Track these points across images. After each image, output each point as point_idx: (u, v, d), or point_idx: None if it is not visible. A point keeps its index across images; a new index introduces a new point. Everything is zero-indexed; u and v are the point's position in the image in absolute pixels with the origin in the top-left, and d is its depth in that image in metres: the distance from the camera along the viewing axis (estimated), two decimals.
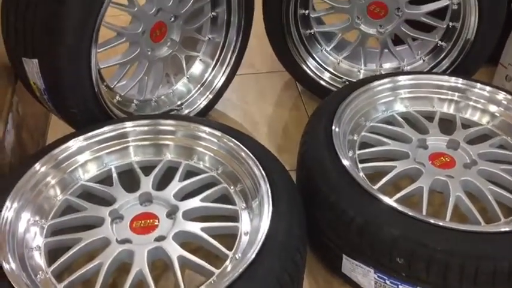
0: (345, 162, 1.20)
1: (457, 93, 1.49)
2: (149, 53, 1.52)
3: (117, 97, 1.51)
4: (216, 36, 1.72)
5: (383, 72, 1.77)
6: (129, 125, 1.31)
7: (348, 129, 1.38)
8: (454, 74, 1.61)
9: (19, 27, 1.24)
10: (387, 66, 1.78)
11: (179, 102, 1.69)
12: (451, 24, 1.61)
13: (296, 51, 1.72)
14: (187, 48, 1.66)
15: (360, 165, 1.31)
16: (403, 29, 1.66)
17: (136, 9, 1.41)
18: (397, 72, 1.58)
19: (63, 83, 1.26)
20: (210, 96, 1.73)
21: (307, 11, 1.71)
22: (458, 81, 1.48)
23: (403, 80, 1.48)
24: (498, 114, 1.44)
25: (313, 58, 1.75)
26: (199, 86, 1.73)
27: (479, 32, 1.51)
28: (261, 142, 1.72)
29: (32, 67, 1.27)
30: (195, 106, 1.71)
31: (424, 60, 1.72)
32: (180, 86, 1.72)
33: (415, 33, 1.67)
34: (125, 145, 1.31)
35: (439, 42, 1.66)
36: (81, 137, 1.26)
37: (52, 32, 1.20)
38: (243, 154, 1.23)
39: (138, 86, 1.57)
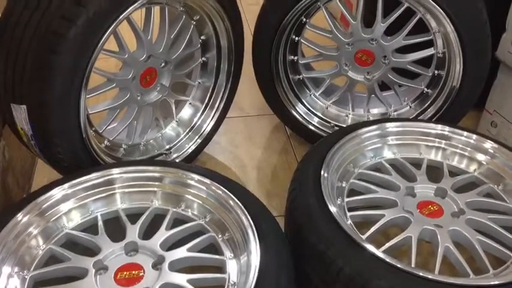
0: (333, 210, 1.20)
1: (444, 141, 1.50)
2: (139, 98, 1.53)
3: (106, 142, 1.50)
4: (206, 80, 1.74)
5: (371, 117, 1.80)
6: (115, 172, 1.30)
7: (337, 177, 1.38)
8: (440, 121, 1.64)
9: (9, 74, 1.24)
10: (375, 111, 1.80)
11: (168, 147, 1.69)
12: (436, 72, 1.65)
13: (285, 96, 1.74)
14: (177, 92, 1.67)
15: (349, 213, 1.30)
16: (390, 76, 1.69)
17: (127, 55, 1.42)
18: (384, 119, 1.59)
19: (51, 129, 1.26)
20: (199, 141, 1.73)
21: (295, 57, 1.73)
22: (445, 129, 1.50)
23: (390, 127, 1.50)
24: (485, 163, 1.45)
25: (302, 103, 1.77)
26: (188, 130, 1.73)
27: (465, 80, 1.54)
28: (250, 187, 1.76)
29: (20, 113, 1.27)
30: (184, 150, 1.71)
31: (410, 107, 1.75)
32: (169, 129, 1.72)
33: (402, 80, 1.70)
34: (112, 192, 1.29)
35: (425, 89, 1.69)
36: (66, 185, 1.24)
37: (41, 80, 1.20)
38: (231, 202, 1.22)
39: (127, 130, 1.57)
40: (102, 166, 1.35)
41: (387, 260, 1.08)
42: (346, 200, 1.35)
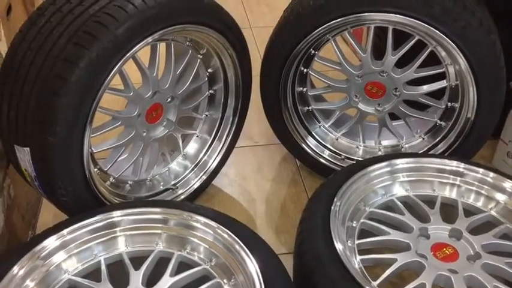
0: (342, 255, 1.16)
1: (459, 178, 1.45)
2: (144, 134, 1.50)
3: (111, 179, 1.48)
4: (214, 113, 1.71)
5: (382, 149, 1.76)
6: (118, 214, 1.27)
7: (347, 216, 1.34)
8: (454, 156, 1.59)
9: (12, 116, 1.23)
10: (386, 143, 1.76)
11: (174, 182, 1.66)
12: (449, 104, 1.60)
13: (294, 129, 1.71)
14: (183, 126, 1.64)
15: (359, 257, 1.25)
16: (401, 109, 1.64)
17: (132, 93, 1.40)
18: (395, 155, 1.55)
19: (54, 172, 1.24)
20: (204, 177, 1.70)
21: (304, 89, 1.70)
22: (460, 165, 1.45)
23: (402, 163, 1.45)
24: (502, 201, 1.40)
25: (312, 136, 1.73)
26: (193, 166, 1.70)
27: (479, 111, 1.50)
28: (258, 222, 1.72)
29: (24, 155, 1.25)
30: (189, 186, 1.67)
31: (423, 139, 1.70)
32: (176, 164, 1.69)
33: (414, 112, 1.66)
34: (115, 235, 1.27)
35: (438, 121, 1.65)
36: (65, 231, 1.21)
37: (44, 122, 1.18)
38: (237, 247, 1.18)
39: (133, 166, 1.54)
40: (105, 208, 1.32)
41: None
42: (357, 242, 1.30)
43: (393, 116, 1.71)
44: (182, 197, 1.64)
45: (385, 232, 1.32)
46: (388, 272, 1.21)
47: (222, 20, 1.46)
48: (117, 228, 1.27)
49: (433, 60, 1.55)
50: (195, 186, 1.68)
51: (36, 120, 1.19)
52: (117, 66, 1.23)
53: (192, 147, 1.72)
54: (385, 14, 1.41)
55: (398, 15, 1.40)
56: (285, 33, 1.53)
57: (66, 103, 1.17)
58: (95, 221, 1.25)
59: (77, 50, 1.17)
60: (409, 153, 1.66)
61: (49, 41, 1.21)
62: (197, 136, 1.72)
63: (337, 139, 1.77)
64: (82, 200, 1.32)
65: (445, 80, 1.57)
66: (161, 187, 1.62)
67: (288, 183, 1.86)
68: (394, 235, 1.31)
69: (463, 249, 1.28)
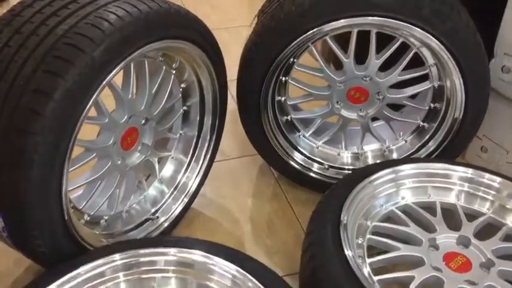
0: (363, 279, 1.09)
1: (451, 180, 1.43)
2: (119, 162, 1.34)
3: (85, 217, 1.31)
4: (188, 130, 1.57)
5: (369, 155, 1.71)
6: (104, 262, 1.12)
7: (354, 233, 1.27)
8: (440, 158, 1.57)
9: None
10: (368, 148, 1.71)
11: (153, 210, 1.50)
12: (432, 105, 1.58)
13: (278, 144, 1.61)
14: (158, 149, 1.49)
15: (375, 278, 1.19)
16: (385, 113, 1.60)
17: (107, 120, 1.24)
18: (392, 162, 1.50)
19: (29, 221, 1.06)
20: (186, 200, 1.56)
21: (283, 98, 1.61)
22: (449, 167, 1.43)
23: (403, 170, 1.41)
24: (495, 200, 1.40)
25: (298, 151, 1.64)
26: (172, 189, 1.56)
27: (468, 111, 1.48)
28: (247, 244, 1.61)
29: None
30: (171, 212, 1.53)
31: (405, 141, 1.67)
32: (152, 190, 1.54)
33: (397, 115, 1.62)
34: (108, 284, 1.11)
35: (421, 123, 1.62)
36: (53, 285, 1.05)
37: (15, 167, 1.00)
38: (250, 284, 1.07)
39: (108, 200, 1.38)
40: (89, 256, 1.15)
41: None
42: (369, 261, 1.24)
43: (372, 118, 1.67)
44: (166, 224, 1.50)
45: (395, 247, 1.26)
46: None
47: (199, 32, 1.33)
48: (108, 277, 1.12)
49: (412, 62, 1.52)
50: (177, 212, 1.53)
51: (4, 164, 1.01)
52: (95, 94, 1.07)
53: (168, 169, 1.57)
54: (373, 17, 1.34)
55: (386, 19, 1.34)
56: (266, 41, 1.42)
57: (41, 141, 1.00)
58: (84, 272, 1.09)
59: (50, 79, 1.00)
60: (400, 159, 1.62)
61: (11, 69, 1.03)
62: (172, 157, 1.58)
63: (317, 147, 1.70)
64: (61, 248, 1.15)
65: (428, 81, 1.54)
66: (141, 217, 1.46)
67: (269, 198, 1.76)
68: (405, 250, 1.26)
69: (474, 256, 1.26)
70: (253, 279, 1.07)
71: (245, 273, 1.10)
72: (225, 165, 1.88)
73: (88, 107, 1.06)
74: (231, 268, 1.10)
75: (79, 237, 1.18)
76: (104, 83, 1.08)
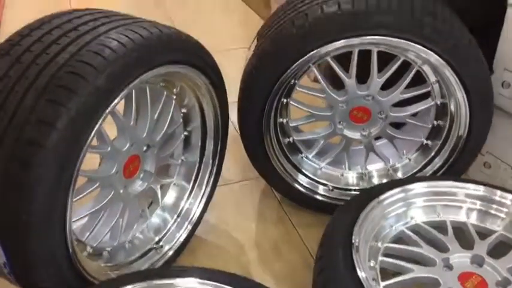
0: None
1: (459, 198, 1.41)
2: (122, 191, 1.31)
3: (88, 249, 1.26)
4: (189, 156, 1.54)
5: (368, 174, 1.69)
6: None
7: (366, 256, 1.24)
8: (446, 175, 1.56)
9: None
10: (372, 167, 1.69)
11: (157, 239, 1.46)
12: (436, 122, 1.57)
13: (282, 168, 1.58)
14: (160, 176, 1.46)
15: None
16: (389, 131, 1.58)
17: (109, 148, 1.21)
18: (399, 181, 1.48)
19: (33, 256, 1.01)
20: (189, 227, 1.52)
21: (285, 120, 1.59)
22: (458, 185, 1.41)
23: (415, 188, 1.39)
24: (505, 216, 1.38)
25: (303, 174, 1.62)
26: (175, 216, 1.52)
27: (472, 128, 1.47)
28: (253, 271, 1.57)
29: None
30: (175, 240, 1.49)
31: (410, 160, 1.65)
32: (155, 218, 1.50)
33: (401, 134, 1.61)
34: None
35: (425, 141, 1.60)
36: None
37: (18, 201, 0.96)
38: None
39: (111, 231, 1.34)
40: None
41: None
42: (383, 284, 1.20)
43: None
44: (170, 253, 1.46)
45: (409, 269, 1.23)
46: None
47: (200, 56, 1.31)
48: None
49: (414, 80, 1.52)
50: (181, 239, 1.49)
51: (6, 198, 0.97)
52: (99, 122, 1.04)
53: (170, 196, 1.53)
54: (375, 36, 1.33)
55: (388, 37, 1.33)
56: (267, 65, 1.40)
57: (44, 174, 0.97)
58: None
59: (52, 109, 0.97)
60: (405, 179, 1.60)
61: (11, 100, 1.00)
62: (174, 184, 1.55)
63: (320, 169, 1.68)
64: (66, 282, 1.10)
65: (430, 99, 1.53)
66: (145, 247, 1.42)
67: (273, 222, 1.73)
68: (419, 271, 1.23)
69: (489, 275, 1.23)
70: None
71: None
72: (226, 190, 1.85)
73: (92, 136, 1.03)
74: None
75: (83, 271, 1.14)
76: (108, 110, 1.05)
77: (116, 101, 1.07)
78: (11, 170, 0.96)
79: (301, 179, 1.63)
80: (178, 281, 1.07)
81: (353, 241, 1.20)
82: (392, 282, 1.21)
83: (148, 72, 1.14)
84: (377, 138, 1.65)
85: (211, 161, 1.53)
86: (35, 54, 1.05)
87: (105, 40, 1.07)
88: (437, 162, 1.58)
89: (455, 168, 1.57)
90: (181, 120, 1.47)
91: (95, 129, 1.04)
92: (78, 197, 1.17)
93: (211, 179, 1.55)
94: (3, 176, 0.97)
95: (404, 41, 1.33)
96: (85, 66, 1.01)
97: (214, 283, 1.07)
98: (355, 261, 1.15)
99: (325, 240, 1.26)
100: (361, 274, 1.12)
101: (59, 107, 0.97)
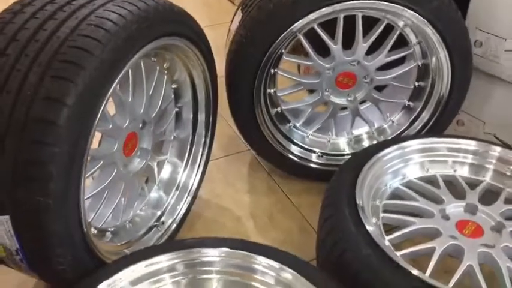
0: (390, 252, 1.11)
1: (444, 152, 1.49)
2: (123, 170, 1.29)
3: (93, 230, 1.24)
4: (181, 131, 1.53)
5: (353, 139, 1.74)
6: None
7: (370, 214, 1.28)
8: (428, 133, 1.63)
9: None
10: (358, 132, 1.74)
11: (159, 213, 1.46)
12: (417, 83, 1.63)
13: (274, 139, 1.60)
14: (155, 153, 1.45)
15: (398, 253, 1.21)
16: (374, 95, 1.63)
17: (111, 125, 1.18)
18: (392, 141, 1.52)
19: (50, 238, 0.99)
20: (189, 199, 1.53)
21: (273, 90, 1.60)
22: (440, 141, 1.48)
23: (410, 146, 1.44)
24: (489, 166, 1.46)
25: (295, 143, 1.65)
26: (174, 190, 1.52)
27: (453, 87, 1.54)
28: (253, 239, 1.59)
29: None
30: (177, 213, 1.49)
31: (393, 122, 1.71)
32: (154, 194, 1.49)
33: (383, 96, 1.66)
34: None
35: (407, 102, 1.67)
36: None
37: (32, 182, 0.94)
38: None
39: (113, 210, 1.32)
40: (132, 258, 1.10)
41: None
42: (389, 237, 1.26)
43: None
44: (173, 226, 1.46)
45: (410, 222, 1.29)
46: (433, 262, 1.18)
47: (193, 28, 1.30)
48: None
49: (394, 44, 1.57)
50: (183, 211, 1.50)
51: (20, 181, 0.94)
52: (107, 97, 1.02)
53: (166, 172, 1.53)
54: (362, 1, 1.37)
55: (375, 1, 1.37)
56: (258, 34, 1.41)
57: (58, 152, 0.94)
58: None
59: (60, 85, 0.94)
60: (394, 139, 1.65)
61: (14, 78, 0.96)
62: (168, 160, 1.54)
63: (308, 136, 1.71)
64: (82, 263, 1.08)
65: (412, 61, 1.59)
66: (147, 224, 1.41)
67: (265, 192, 1.75)
68: (420, 223, 1.29)
69: (484, 221, 1.30)
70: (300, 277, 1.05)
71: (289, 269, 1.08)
72: (214, 165, 1.85)
73: (100, 111, 1.01)
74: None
75: (97, 251, 1.12)
76: (114, 84, 1.03)
77: (121, 74, 1.05)
78: (23, 150, 0.93)
79: (294, 149, 1.66)
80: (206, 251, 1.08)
81: (357, 200, 1.24)
82: (396, 236, 1.26)
83: (148, 44, 1.12)
84: (360, 103, 1.70)
85: (204, 133, 1.53)
86: (32, 31, 1.01)
87: (104, 13, 1.04)
88: (420, 123, 1.65)
89: (437, 128, 1.64)
90: (172, 95, 1.45)
91: (104, 104, 1.02)
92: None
93: (205, 151, 1.56)
94: (14, 157, 0.93)
95: (390, 4, 1.37)
96: (89, 40, 0.98)
97: (244, 252, 1.08)
98: (362, 218, 1.20)
99: (329, 202, 1.29)
100: (369, 229, 1.17)
101: (67, 83, 0.94)
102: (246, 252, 1.07)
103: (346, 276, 1.13)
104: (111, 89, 1.03)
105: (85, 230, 1.06)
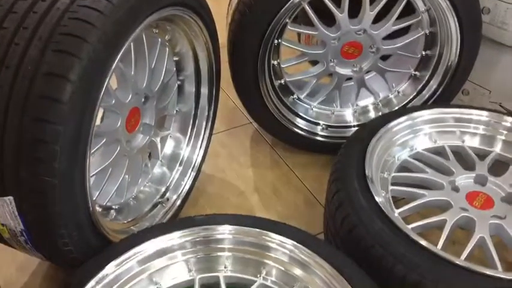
0: (403, 227, 1.09)
1: (452, 123, 1.46)
2: (126, 146, 1.25)
3: (97, 208, 1.21)
4: (184, 105, 1.49)
5: (358, 110, 1.71)
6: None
7: (379, 187, 1.26)
8: (435, 103, 1.60)
9: None
10: (362, 103, 1.70)
11: (163, 189, 1.43)
12: (424, 53, 1.59)
13: (278, 112, 1.57)
14: (158, 129, 1.41)
15: (410, 226, 1.19)
16: (380, 65, 1.59)
17: (114, 101, 1.14)
18: (400, 111, 1.49)
19: (55, 218, 0.96)
20: (193, 174, 1.50)
21: (276, 62, 1.55)
22: (449, 111, 1.45)
23: (399, 122, 1.41)
24: (499, 137, 1.44)
25: (300, 117, 1.62)
26: (177, 165, 1.49)
27: (462, 56, 1.50)
28: (258, 213, 1.57)
29: (2, 206, 0.95)
30: (181, 189, 1.47)
31: (399, 92, 1.68)
32: (158, 170, 1.46)
33: (391, 67, 1.62)
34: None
35: (413, 72, 1.63)
36: None
37: (37, 161, 0.90)
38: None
39: (117, 188, 1.29)
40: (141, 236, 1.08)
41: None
42: (398, 210, 1.24)
43: None
44: (178, 202, 1.44)
45: (420, 194, 1.27)
46: (444, 234, 1.17)
47: None
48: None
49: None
50: (187, 187, 1.47)
51: (23, 161, 0.90)
52: (111, 71, 0.98)
53: (169, 147, 1.50)
54: None
55: None
56: (262, 2, 1.36)
57: (63, 131, 0.90)
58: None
59: (63, 60, 0.90)
60: (399, 110, 1.62)
61: (13, 52, 0.91)
62: (171, 135, 1.50)
63: (311, 108, 1.67)
64: (88, 243, 1.06)
65: (420, 28, 1.54)
66: (152, 200, 1.39)
67: (269, 165, 1.73)
68: (430, 195, 1.27)
69: (493, 192, 1.29)
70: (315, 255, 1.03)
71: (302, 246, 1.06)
72: (215, 139, 1.80)
73: (105, 86, 0.97)
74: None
75: (104, 230, 1.10)
76: (118, 57, 0.99)
77: (124, 46, 1.00)
78: (26, 129, 0.89)
79: (298, 121, 1.63)
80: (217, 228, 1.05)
81: (367, 174, 1.22)
82: (407, 208, 1.25)
83: (152, 15, 1.07)
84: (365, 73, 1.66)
85: (207, 107, 1.50)
86: (30, 3, 0.95)
87: None
88: (427, 92, 1.61)
89: (444, 98, 1.61)
90: (174, 68, 1.41)
91: (108, 78, 0.97)
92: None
93: (209, 124, 1.52)
94: (17, 136, 0.90)
95: None
96: (91, 11, 0.93)
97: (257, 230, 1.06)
98: (373, 192, 1.18)
99: (337, 176, 1.26)
100: (380, 202, 1.15)
101: (70, 57, 0.90)
102: (259, 230, 1.05)
103: (357, 250, 1.12)
104: (115, 62, 0.98)
105: (91, 209, 1.03)
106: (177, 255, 1.05)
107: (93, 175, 1.18)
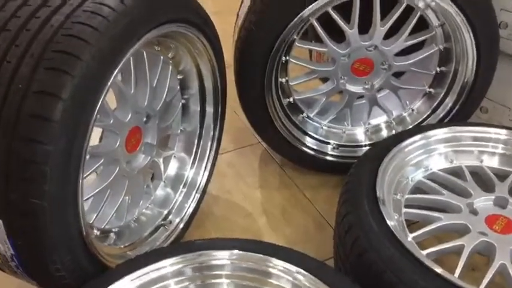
0: (422, 258, 1.02)
1: (471, 142, 1.39)
2: (126, 167, 1.21)
3: (95, 232, 1.17)
4: (188, 125, 1.45)
5: (370, 129, 1.65)
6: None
7: (391, 209, 1.19)
8: (452, 121, 1.53)
9: None
10: (375, 121, 1.64)
11: (165, 212, 1.38)
12: (439, 69, 1.53)
13: (286, 130, 1.52)
14: (162, 149, 1.37)
15: (424, 252, 1.12)
16: (393, 82, 1.54)
17: (112, 120, 1.10)
18: (399, 135, 1.43)
19: (46, 243, 0.91)
20: (197, 196, 1.45)
21: (284, 79, 1.51)
22: (467, 129, 1.38)
23: (412, 142, 1.34)
24: None
25: (310, 136, 1.56)
26: (181, 187, 1.44)
27: (478, 73, 1.44)
28: (266, 237, 1.51)
29: None
30: (185, 211, 1.41)
31: (413, 110, 1.61)
32: (161, 191, 1.41)
33: (404, 84, 1.56)
34: None
35: (428, 89, 1.57)
36: None
37: (25, 183, 0.86)
38: None
39: (117, 210, 1.24)
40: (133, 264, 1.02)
41: None
42: (412, 235, 1.17)
43: None
44: (181, 226, 1.38)
45: (436, 218, 1.20)
46: (463, 259, 1.09)
47: (198, 13, 1.21)
48: None
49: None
50: (191, 210, 1.42)
51: (13, 182, 0.86)
52: (105, 90, 0.94)
53: (173, 167, 1.45)
54: None
55: None
56: (269, 19, 1.32)
57: (53, 151, 0.86)
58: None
59: (54, 77, 0.86)
60: (411, 129, 1.55)
61: (4, 70, 0.88)
62: (175, 155, 1.46)
63: (322, 127, 1.62)
64: (82, 270, 1.01)
65: (434, 45, 1.49)
66: (154, 223, 1.34)
67: (277, 186, 1.67)
68: (447, 219, 1.20)
69: None
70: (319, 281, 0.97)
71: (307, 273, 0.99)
72: (223, 159, 1.77)
73: (99, 105, 0.93)
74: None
75: (99, 255, 1.05)
76: (113, 76, 0.95)
77: (120, 64, 0.96)
78: (15, 149, 0.85)
79: (307, 140, 1.58)
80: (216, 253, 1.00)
81: (378, 195, 1.16)
82: (421, 233, 1.17)
83: (150, 32, 1.03)
84: (378, 90, 1.60)
85: (212, 126, 1.45)
86: (24, 20, 0.92)
87: None
88: (442, 111, 1.55)
89: (461, 116, 1.55)
90: (178, 87, 1.37)
91: (102, 97, 0.93)
92: (85, 175, 1.07)
93: (214, 145, 1.47)
94: (6, 156, 0.86)
95: None
96: (85, 27, 0.90)
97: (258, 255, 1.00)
98: (384, 215, 1.11)
99: (348, 197, 1.20)
100: (392, 226, 1.09)
101: (62, 75, 0.86)
102: (260, 255, 0.99)
103: (368, 277, 1.05)
104: (110, 80, 0.94)
105: (85, 233, 0.98)
106: (174, 282, 0.99)
107: (91, 197, 1.14)
